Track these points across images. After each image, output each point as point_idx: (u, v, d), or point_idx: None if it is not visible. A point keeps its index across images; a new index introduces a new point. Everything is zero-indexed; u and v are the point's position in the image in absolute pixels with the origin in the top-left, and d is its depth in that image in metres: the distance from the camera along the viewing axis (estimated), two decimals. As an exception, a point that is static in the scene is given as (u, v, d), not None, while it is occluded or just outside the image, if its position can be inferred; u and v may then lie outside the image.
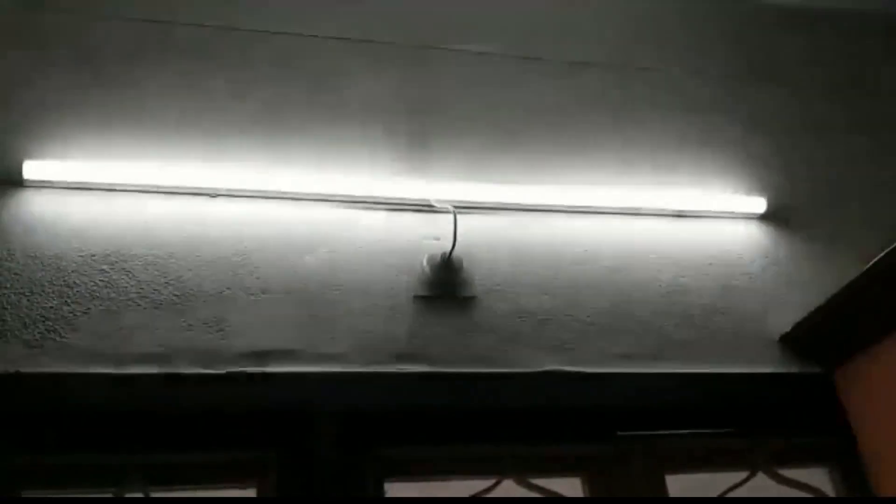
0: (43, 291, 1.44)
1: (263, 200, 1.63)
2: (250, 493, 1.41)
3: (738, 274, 1.79)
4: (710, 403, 1.62)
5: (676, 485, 1.56)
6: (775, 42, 2.21)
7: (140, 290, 1.48)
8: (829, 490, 1.61)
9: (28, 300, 1.42)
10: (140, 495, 1.36)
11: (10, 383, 1.34)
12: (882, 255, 1.49)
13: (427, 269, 1.62)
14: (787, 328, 1.69)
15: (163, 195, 1.59)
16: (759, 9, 2.25)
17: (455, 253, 1.62)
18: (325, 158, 1.71)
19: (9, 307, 1.41)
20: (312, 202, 1.65)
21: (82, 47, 1.71)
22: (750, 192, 1.90)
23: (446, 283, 1.62)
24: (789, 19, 2.26)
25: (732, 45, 2.17)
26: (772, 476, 1.61)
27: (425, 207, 1.68)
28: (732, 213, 1.87)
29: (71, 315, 1.43)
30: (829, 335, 1.64)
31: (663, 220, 1.83)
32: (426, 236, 1.66)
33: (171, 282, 1.50)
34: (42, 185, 1.54)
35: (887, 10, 2.30)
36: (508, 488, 1.50)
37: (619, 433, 1.57)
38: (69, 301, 1.44)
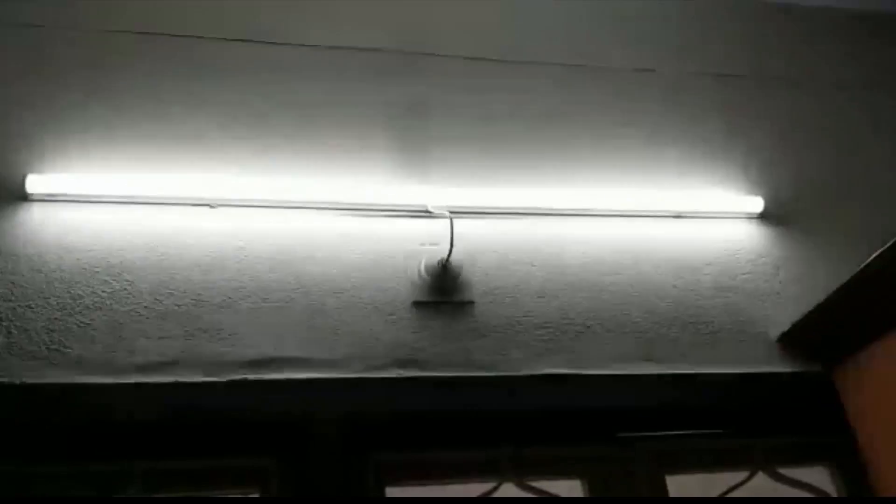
0: (47, 303, 1.46)
1: (263, 209, 1.65)
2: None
3: (736, 274, 1.79)
4: (710, 404, 1.63)
5: (677, 485, 1.56)
6: (774, 42, 2.21)
7: (142, 300, 1.50)
8: (829, 489, 1.61)
9: (33, 312, 1.45)
10: (142, 499, 1.38)
11: (15, 394, 1.36)
12: (879, 252, 1.48)
13: (425, 274, 1.64)
14: (786, 327, 1.69)
15: (164, 206, 1.61)
16: (759, 8, 2.25)
17: (452, 258, 1.63)
18: (322, 167, 1.72)
19: (14, 319, 1.43)
20: (311, 210, 1.66)
21: (83, 61, 1.74)
22: (747, 191, 1.91)
23: (444, 288, 1.63)
24: (789, 19, 2.25)
25: (730, 44, 2.17)
26: (772, 475, 1.61)
27: (422, 213, 1.70)
28: (730, 213, 1.87)
29: (75, 326, 1.45)
30: (828, 334, 1.64)
31: (661, 221, 1.83)
32: (423, 242, 1.67)
33: (173, 291, 1.52)
34: (45, 198, 1.56)
35: (886, 10, 2.29)
36: (509, 491, 1.51)
37: (619, 434, 1.58)
38: (73, 312, 1.46)
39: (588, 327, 1.65)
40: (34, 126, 1.63)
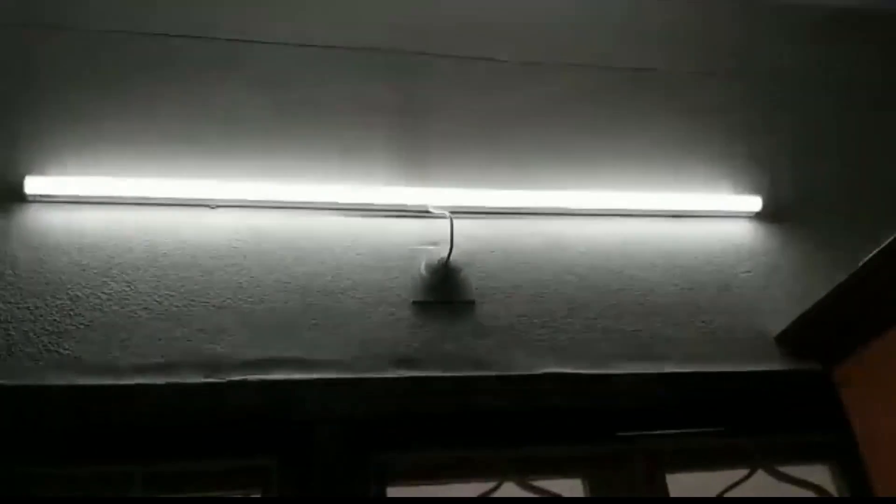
0: (46, 305, 1.46)
1: (262, 210, 1.65)
2: (254, 499, 1.43)
3: (734, 273, 1.80)
4: (710, 402, 1.63)
5: (677, 484, 1.57)
6: (773, 42, 2.21)
7: (142, 302, 1.50)
8: (829, 486, 1.62)
9: (31, 314, 1.44)
10: (142, 500, 1.38)
11: (14, 396, 1.36)
12: (877, 251, 1.49)
13: (425, 274, 1.64)
14: (785, 326, 1.69)
15: (162, 207, 1.60)
16: (758, 9, 2.25)
17: (452, 258, 1.63)
18: (321, 167, 1.72)
19: (12, 321, 1.43)
20: (309, 211, 1.66)
21: (81, 63, 1.73)
22: (745, 190, 1.91)
23: (444, 288, 1.63)
24: (788, 20, 2.26)
25: (730, 44, 2.18)
26: (772, 473, 1.62)
27: (422, 213, 1.69)
28: (729, 212, 1.87)
29: (74, 328, 1.44)
30: (827, 332, 1.65)
31: (659, 220, 1.83)
32: (423, 242, 1.67)
33: (172, 293, 1.52)
34: (43, 199, 1.56)
35: (886, 11, 2.30)
36: (510, 490, 1.52)
37: (618, 433, 1.58)
38: (72, 314, 1.46)
39: (588, 327, 1.66)
40: (32, 128, 1.63)
